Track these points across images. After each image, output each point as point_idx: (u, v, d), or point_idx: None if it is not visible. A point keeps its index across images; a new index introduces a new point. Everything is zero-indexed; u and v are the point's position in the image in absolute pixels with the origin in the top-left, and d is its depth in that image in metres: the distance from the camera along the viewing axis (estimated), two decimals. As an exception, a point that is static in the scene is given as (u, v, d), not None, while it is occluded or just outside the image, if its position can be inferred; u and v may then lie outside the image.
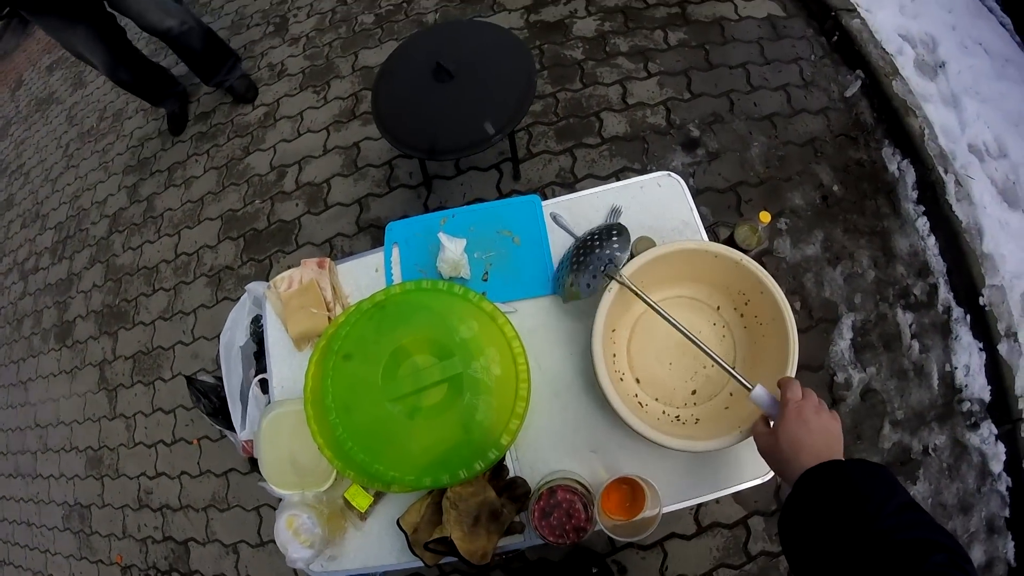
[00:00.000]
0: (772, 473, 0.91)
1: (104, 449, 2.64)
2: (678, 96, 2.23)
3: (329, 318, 1.15)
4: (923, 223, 1.87)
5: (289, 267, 1.25)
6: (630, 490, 0.93)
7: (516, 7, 2.69)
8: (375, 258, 1.23)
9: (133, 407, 2.57)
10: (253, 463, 2.13)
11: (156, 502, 2.42)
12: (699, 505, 1.73)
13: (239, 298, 2.18)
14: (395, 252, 1.21)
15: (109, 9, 2.44)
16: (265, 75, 3.04)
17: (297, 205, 2.48)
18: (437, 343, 1.00)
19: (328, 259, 1.23)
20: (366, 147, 2.48)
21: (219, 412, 1.96)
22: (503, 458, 0.98)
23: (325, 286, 1.19)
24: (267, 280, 1.31)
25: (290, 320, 1.18)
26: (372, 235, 2.28)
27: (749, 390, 0.82)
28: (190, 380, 1.97)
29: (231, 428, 1.90)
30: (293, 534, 0.99)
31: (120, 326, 2.74)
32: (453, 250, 1.11)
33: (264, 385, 1.62)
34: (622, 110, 2.24)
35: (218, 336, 2.12)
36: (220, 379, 1.95)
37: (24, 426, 3.07)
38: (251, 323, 1.81)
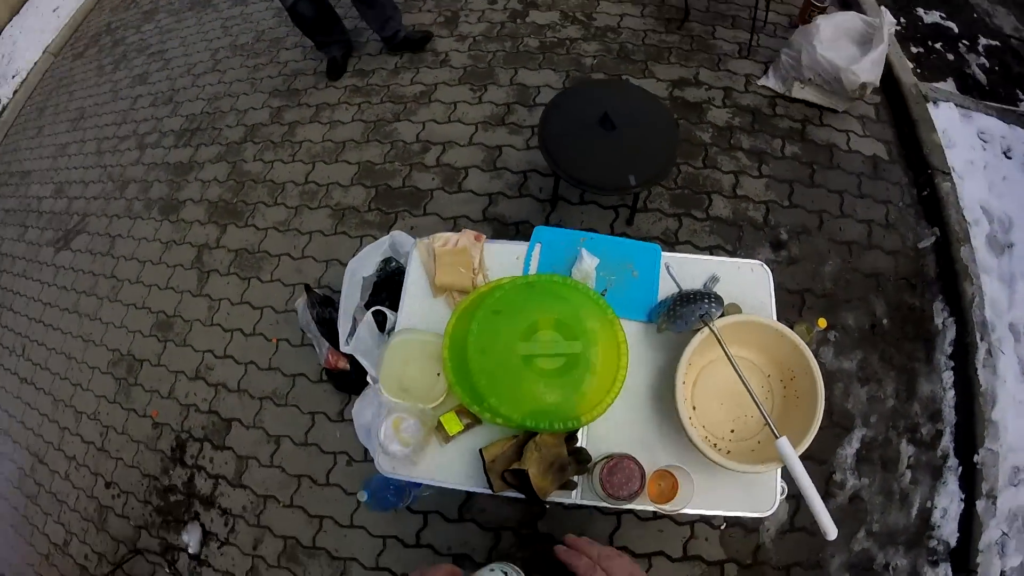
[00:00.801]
0: (771, 511, 1.33)
1: (178, 318, 3.22)
2: (779, 201, 2.84)
3: (472, 280, 1.57)
4: (948, 376, 2.44)
5: (412, 228, 1.82)
6: (668, 483, 1.32)
7: (664, 78, 3.28)
8: (517, 248, 1.61)
9: (221, 293, 3.16)
10: (329, 374, 2.69)
11: (213, 379, 2.98)
12: (690, 535, 2.28)
13: (358, 236, 2.84)
14: (537, 250, 1.64)
15: None
16: (428, 58, 3.75)
17: (433, 179, 3.12)
18: (566, 326, 1.36)
19: (483, 236, 1.66)
20: (507, 153, 3.13)
21: (323, 323, 2.56)
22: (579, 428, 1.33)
23: (475, 255, 1.61)
24: (390, 231, 1.85)
25: (440, 270, 1.58)
26: (494, 227, 2.89)
27: (776, 437, 1.17)
28: (309, 288, 2.58)
29: (326, 339, 2.51)
30: (395, 432, 1.38)
31: (231, 222, 3.37)
32: (589, 264, 1.54)
33: (377, 315, 2.22)
34: (730, 197, 2.86)
35: (326, 261, 2.77)
36: (329, 296, 2.57)
37: (99, 272, 3.68)
38: (381, 262, 2.43)
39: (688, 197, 2.84)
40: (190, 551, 2.75)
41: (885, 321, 2.51)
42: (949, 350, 2.45)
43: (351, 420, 2.47)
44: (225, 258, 3.24)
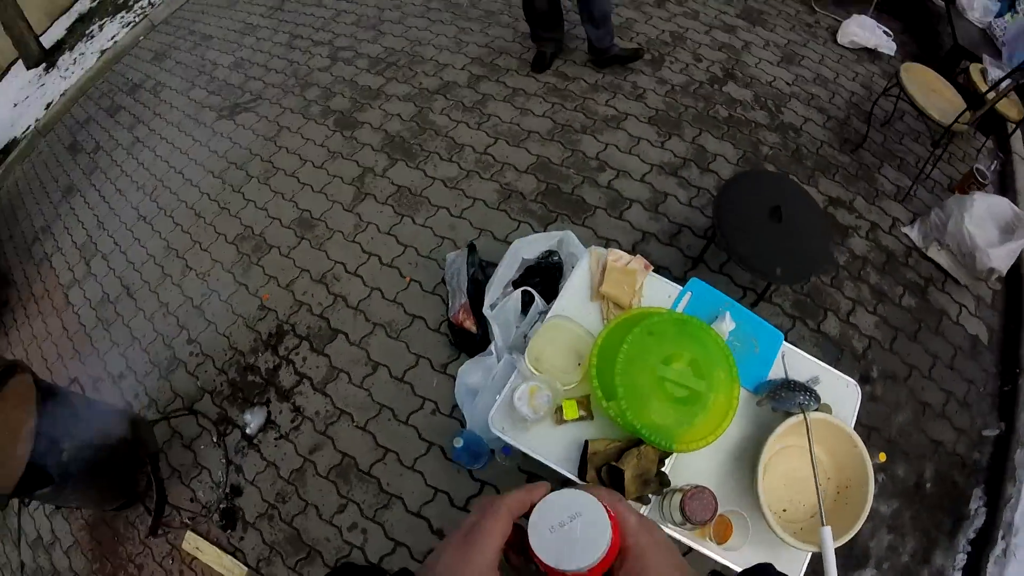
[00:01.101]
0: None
1: (322, 223, 3.49)
2: (881, 342, 2.90)
3: (631, 300, 1.80)
4: (961, 559, 2.48)
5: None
6: (723, 526, 1.52)
7: (824, 192, 3.42)
8: (671, 288, 1.85)
9: (371, 218, 3.42)
10: (451, 328, 2.86)
11: (335, 289, 3.21)
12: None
13: (517, 219, 3.09)
14: (687, 297, 1.87)
15: None
16: (627, 88, 4.02)
17: (600, 198, 3.33)
18: (698, 365, 1.57)
19: (651, 266, 1.90)
20: (671, 201, 3.33)
21: (473, 282, 2.80)
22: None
23: (639, 280, 1.85)
24: (547, 228, 2.09)
25: (607, 281, 1.82)
26: (639, 261, 3.13)
27: (823, 524, 1.38)
28: (474, 247, 2.84)
29: (468, 296, 2.75)
30: (530, 397, 1.59)
31: (402, 159, 3.65)
32: (727, 326, 1.74)
33: (525, 296, 2.45)
34: (842, 321, 2.93)
35: (480, 229, 3.01)
36: (491, 262, 2.81)
37: (256, 152, 4.00)
38: (545, 252, 2.67)
39: (807, 305, 3.01)
40: (247, 431, 2.97)
41: (929, 485, 2.63)
42: (971, 535, 2.57)
43: (452, 376, 2.71)
44: (386, 188, 3.50)
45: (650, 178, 3.42)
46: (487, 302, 2.51)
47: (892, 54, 4.09)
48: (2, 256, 5.17)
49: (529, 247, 2.61)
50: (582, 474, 1.52)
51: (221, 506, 2.84)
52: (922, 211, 3.32)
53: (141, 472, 2.97)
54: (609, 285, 1.80)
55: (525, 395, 1.59)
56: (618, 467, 1.44)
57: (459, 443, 2.26)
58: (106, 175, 4.83)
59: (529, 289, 2.43)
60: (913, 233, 3.26)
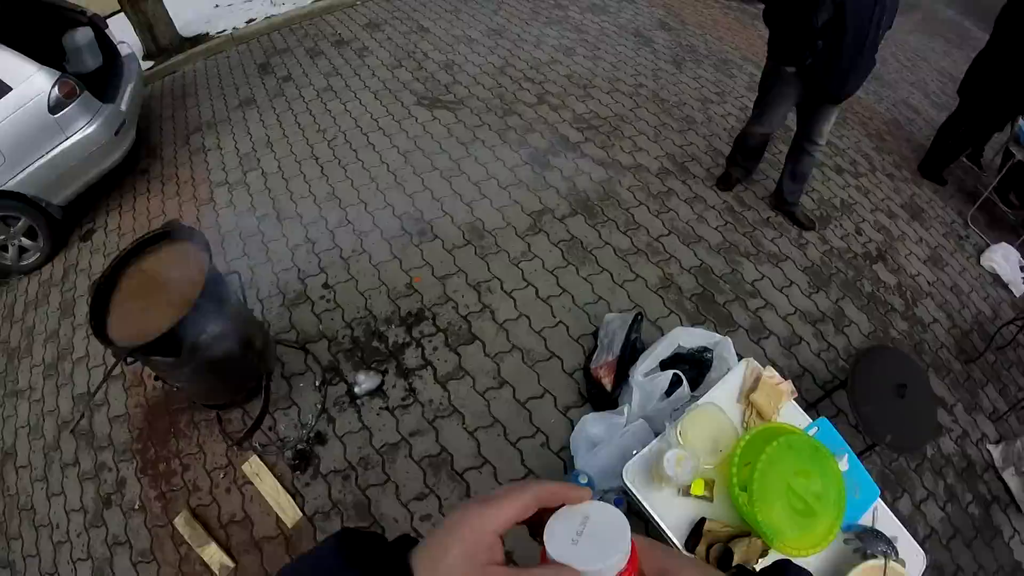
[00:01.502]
0: None
1: (491, 237, 3.69)
2: (940, 536, 2.91)
3: (774, 415, 2.02)
4: None
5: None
6: None
7: (933, 389, 3.64)
8: (801, 418, 2.09)
9: (539, 252, 3.61)
10: (587, 377, 3.00)
11: (486, 300, 3.38)
12: None
13: (678, 312, 3.23)
14: (815, 430, 2.04)
15: None
16: (793, 234, 4.18)
17: (745, 318, 3.42)
18: (820, 487, 1.76)
19: (796, 392, 2.12)
20: (803, 347, 3.37)
21: (627, 346, 2.95)
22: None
23: (785, 401, 2.06)
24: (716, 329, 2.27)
25: (759, 391, 2.03)
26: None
27: None
28: (643, 315, 3.00)
29: (616, 356, 2.89)
30: (677, 462, 1.74)
31: (582, 214, 3.86)
32: (842, 466, 1.89)
33: (674, 377, 2.58)
34: (914, 505, 2.97)
35: (635, 304, 3.17)
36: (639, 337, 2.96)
37: (445, 150, 4.32)
38: (700, 347, 2.81)
39: (889, 479, 3.07)
40: (355, 390, 3.11)
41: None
42: None
43: (572, 419, 2.83)
44: (560, 233, 3.72)
45: (792, 320, 3.58)
46: (640, 370, 2.67)
47: (1017, 295, 4.25)
48: (157, 131, 5.45)
49: (688, 337, 2.77)
50: (690, 546, 1.69)
51: (299, 446, 2.97)
52: (1009, 436, 3.46)
53: (250, 383, 3.07)
54: (759, 395, 2.03)
55: (673, 459, 1.75)
56: (730, 548, 1.61)
57: (584, 479, 2.38)
58: (289, 104, 5.16)
59: (679, 374, 2.56)
60: (996, 452, 3.39)
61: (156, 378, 3.19)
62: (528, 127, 4.53)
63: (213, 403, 3.13)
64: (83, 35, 4.89)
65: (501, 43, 5.69)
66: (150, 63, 6.64)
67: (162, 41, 6.90)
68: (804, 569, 0.65)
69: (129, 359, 2.66)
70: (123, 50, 5.31)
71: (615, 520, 0.49)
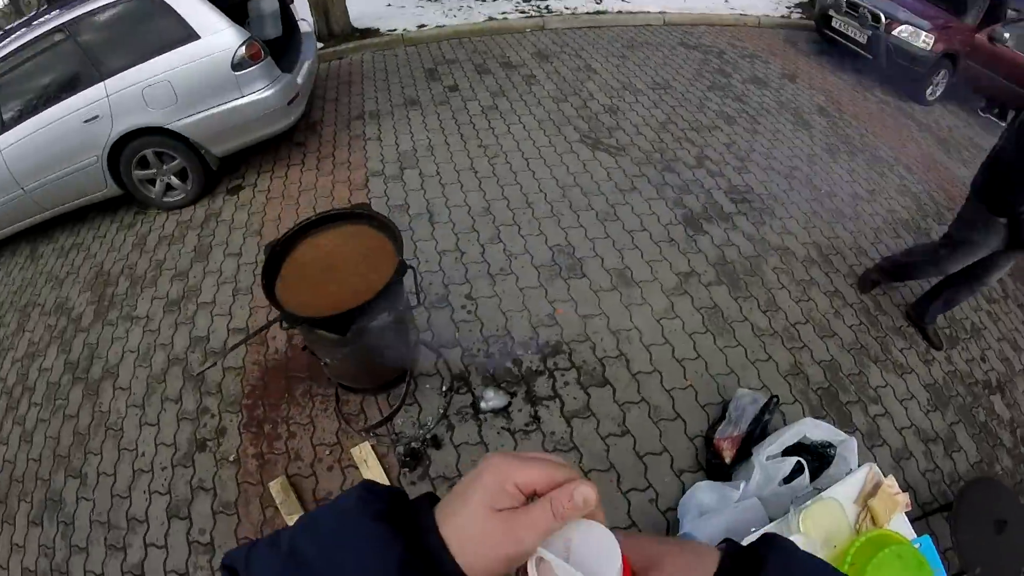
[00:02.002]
0: None
1: (638, 288, 3.77)
2: None
3: (885, 523, 2.04)
4: None
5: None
6: None
7: None
8: (907, 531, 2.10)
9: (681, 313, 3.67)
10: (708, 446, 3.01)
11: (624, 348, 3.43)
12: None
13: (795, 399, 3.19)
14: (917, 546, 2.01)
15: None
16: (921, 349, 4.11)
17: (863, 422, 3.38)
18: None
19: (910, 506, 2.14)
20: (911, 463, 3.23)
21: (756, 421, 2.95)
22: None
23: (896, 512, 2.08)
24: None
25: (878, 497, 2.08)
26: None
27: None
28: (777, 401, 3.00)
29: (742, 431, 2.89)
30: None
31: (727, 285, 3.89)
32: None
33: (796, 465, 2.56)
34: None
35: (764, 385, 3.16)
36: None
37: (599, 184, 4.41)
38: (825, 441, 2.78)
39: None
40: (481, 404, 3.21)
41: None
42: None
43: (684, 483, 2.86)
44: (703, 299, 3.78)
45: (906, 433, 3.52)
46: (764, 451, 2.69)
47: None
48: (320, 109, 5.76)
49: (815, 429, 2.76)
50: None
51: (413, 445, 3.07)
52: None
53: (391, 375, 3.19)
54: (877, 501, 2.08)
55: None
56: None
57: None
58: (454, 114, 5.40)
59: (803, 463, 2.56)
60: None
61: (304, 348, 3.35)
62: (685, 187, 4.59)
63: (352, 385, 3.26)
64: (269, 4, 5.27)
65: (665, 98, 5.80)
66: (320, 44, 7.02)
67: (335, 27, 7.32)
68: (789, 540, 0.62)
69: (286, 324, 2.75)
70: (303, 27, 5.67)
71: (602, 538, 0.49)
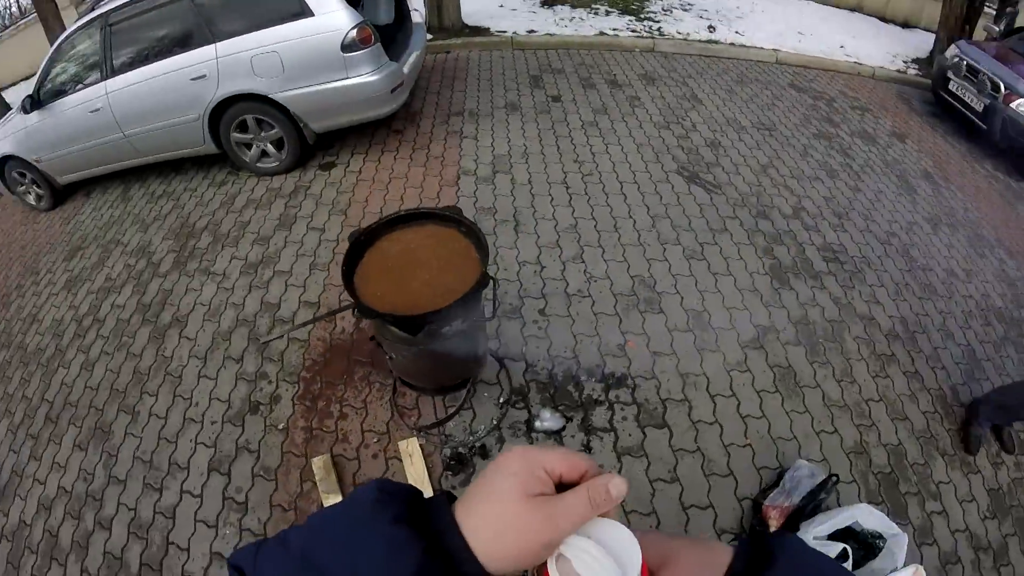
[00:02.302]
0: None
1: (712, 334, 3.71)
2: None
3: None
4: None
5: None
6: None
7: None
8: None
9: (753, 366, 3.59)
10: (753, 510, 2.95)
11: (689, 394, 3.38)
12: None
13: (854, 479, 3.06)
14: None
15: None
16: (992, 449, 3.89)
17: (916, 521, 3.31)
18: None
19: None
20: (955, 571, 3.23)
21: (809, 500, 2.84)
22: None
23: None
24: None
25: None
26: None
27: None
28: (836, 480, 2.88)
29: (794, 505, 2.78)
30: None
31: (805, 347, 3.80)
32: None
33: (842, 551, 2.45)
34: None
35: (824, 460, 3.02)
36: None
37: (690, 219, 4.35)
38: (875, 531, 2.65)
39: None
40: (535, 423, 3.21)
41: None
42: None
43: (726, 543, 2.76)
44: (779, 356, 3.70)
45: (959, 536, 3.30)
46: (813, 531, 2.60)
47: None
48: (420, 100, 5.84)
49: (869, 517, 2.67)
50: None
51: (460, 449, 3.09)
52: None
53: (454, 380, 3.20)
54: None
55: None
56: None
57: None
58: (553, 125, 5.44)
59: (848, 551, 2.48)
60: None
61: (372, 338, 3.37)
62: (778, 237, 4.47)
63: (412, 383, 3.27)
64: (385, -10, 5.36)
65: (769, 141, 5.66)
66: (429, 36, 7.13)
67: (446, 21, 7.43)
68: (799, 538, 0.63)
69: (358, 313, 2.73)
70: (415, 17, 5.76)
71: (623, 535, 0.49)
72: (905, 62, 8.01)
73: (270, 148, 5.02)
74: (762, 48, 7.42)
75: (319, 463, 2.96)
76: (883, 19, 9.30)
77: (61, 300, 4.60)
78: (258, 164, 5.14)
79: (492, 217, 4.45)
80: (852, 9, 9.40)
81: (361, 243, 2.71)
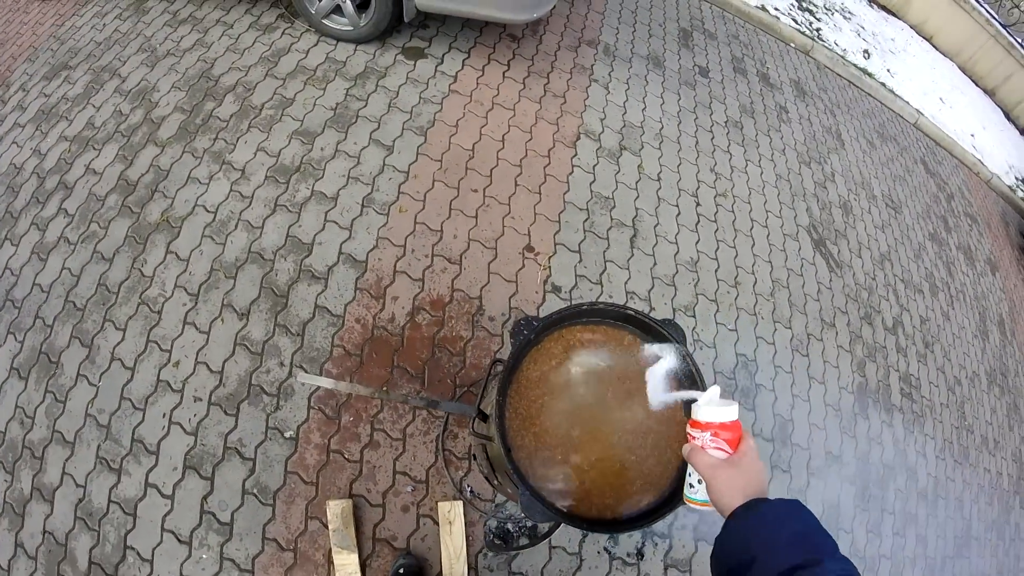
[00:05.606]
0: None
1: (791, 449, 3.42)
2: None
3: None
4: None
5: None
6: None
7: None
8: None
9: (815, 494, 3.36)
10: None
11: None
12: None
13: None
14: None
15: None
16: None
17: None
18: None
19: None
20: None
21: None
22: None
23: None
24: None
25: None
26: None
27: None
28: None
29: None
30: None
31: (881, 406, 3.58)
32: None
33: None
34: None
35: None
36: None
37: (812, 296, 3.95)
38: None
39: None
40: None
41: None
42: None
43: None
44: (833, 489, 3.49)
45: None
46: None
47: None
48: (550, 11, 4.94)
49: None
50: None
51: (507, 527, 2.54)
52: None
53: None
54: None
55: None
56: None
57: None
58: (696, 108, 4.74)
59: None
60: None
61: (473, 432, 1.95)
62: (872, 352, 4.10)
63: (483, 473, 2.16)
64: None
65: (893, 224, 5.13)
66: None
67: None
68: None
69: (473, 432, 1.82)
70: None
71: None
72: (1017, 178, 7.47)
73: (349, 6, 3.62)
74: (908, 103, 6.69)
75: (336, 509, 2.30)
76: (1008, 116, 8.43)
77: (26, 137, 3.47)
78: (324, 20, 3.75)
79: (608, 214, 3.56)
80: (987, 92, 8.53)
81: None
